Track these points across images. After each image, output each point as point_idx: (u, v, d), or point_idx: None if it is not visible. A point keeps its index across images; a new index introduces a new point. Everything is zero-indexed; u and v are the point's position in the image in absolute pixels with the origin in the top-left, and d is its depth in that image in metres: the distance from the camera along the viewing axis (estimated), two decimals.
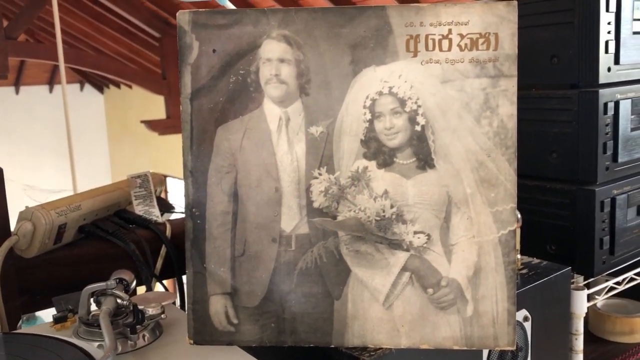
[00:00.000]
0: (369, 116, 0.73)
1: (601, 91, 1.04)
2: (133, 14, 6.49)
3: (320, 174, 0.74)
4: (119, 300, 0.85)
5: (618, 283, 1.10)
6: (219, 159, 0.75)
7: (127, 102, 11.36)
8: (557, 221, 1.12)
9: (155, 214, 1.37)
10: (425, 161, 0.73)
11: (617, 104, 1.04)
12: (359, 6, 0.70)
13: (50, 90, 11.54)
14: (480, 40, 0.72)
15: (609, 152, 1.06)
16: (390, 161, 0.73)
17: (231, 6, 1.17)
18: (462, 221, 0.73)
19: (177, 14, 0.82)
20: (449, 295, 0.70)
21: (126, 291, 0.90)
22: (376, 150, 0.74)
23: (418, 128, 0.73)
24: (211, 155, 0.75)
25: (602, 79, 1.05)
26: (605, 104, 1.06)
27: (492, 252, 0.71)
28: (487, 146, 0.73)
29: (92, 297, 0.87)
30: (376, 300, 0.71)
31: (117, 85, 11.65)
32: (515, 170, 0.73)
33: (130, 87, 10.53)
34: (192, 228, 0.75)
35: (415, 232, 0.73)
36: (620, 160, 1.09)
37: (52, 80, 11.46)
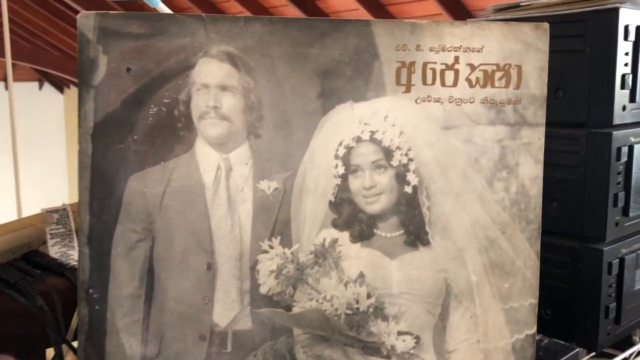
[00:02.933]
0: (341, 170, 0.60)
1: (615, 133, 0.89)
2: None
3: (271, 247, 0.60)
4: None
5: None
6: (130, 222, 0.60)
7: None
8: (555, 282, 1.01)
9: (74, 256, 1.12)
10: (416, 235, 0.60)
11: (631, 148, 0.89)
12: (334, 19, 0.59)
13: (6, 87, 11.05)
14: (498, 74, 0.59)
15: (620, 205, 0.90)
16: (369, 233, 0.60)
17: (166, 10, 0.92)
18: (464, 320, 0.60)
19: (77, 17, 0.60)
20: None
21: None
22: (350, 217, 0.60)
23: (408, 189, 0.60)
24: (118, 216, 0.60)
25: (616, 119, 0.89)
26: (619, 149, 0.90)
27: None
28: (501, 219, 0.60)
29: None
30: None
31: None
32: (537, 253, 0.60)
33: None
34: (88, 316, 0.60)
35: (400, 333, 0.60)
36: (631, 214, 0.93)
37: (7, 76, 10.95)
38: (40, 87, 11.71)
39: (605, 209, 1.01)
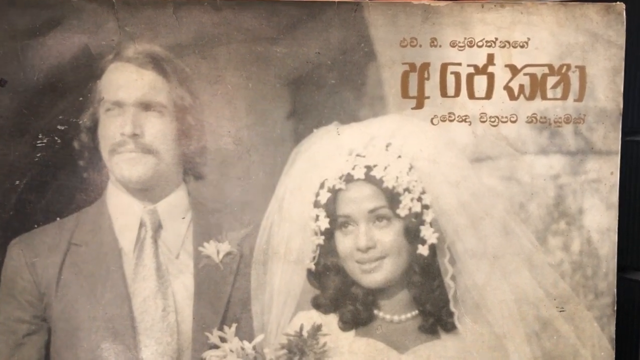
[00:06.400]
0: (325, 223, 0.49)
1: None
2: None
3: (223, 340, 0.48)
4: None
5: None
6: (13, 307, 0.48)
7: None
8: None
9: None
10: (436, 317, 0.49)
11: None
12: (308, 0, 0.47)
13: None
14: (551, 80, 0.48)
15: None
16: (368, 316, 0.49)
17: None
18: None
19: None
20: None
21: None
22: (339, 292, 0.49)
23: (423, 250, 0.48)
24: None
25: None
26: None
27: None
28: (559, 291, 0.49)
29: None
30: None
31: None
32: (612, 339, 0.49)
33: None
34: None
35: None
36: None
37: None
38: None
39: None
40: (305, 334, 0.48)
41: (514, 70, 0.47)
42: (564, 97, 0.47)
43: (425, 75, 0.47)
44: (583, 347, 0.49)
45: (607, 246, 0.48)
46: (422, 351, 0.48)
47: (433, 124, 0.48)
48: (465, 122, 0.48)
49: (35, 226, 0.47)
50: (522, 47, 0.47)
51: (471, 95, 0.47)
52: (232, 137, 0.47)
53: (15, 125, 0.46)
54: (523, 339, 0.49)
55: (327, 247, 0.48)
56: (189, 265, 0.48)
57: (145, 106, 0.47)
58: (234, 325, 0.48)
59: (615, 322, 0.50)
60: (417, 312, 0.49)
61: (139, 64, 0.47)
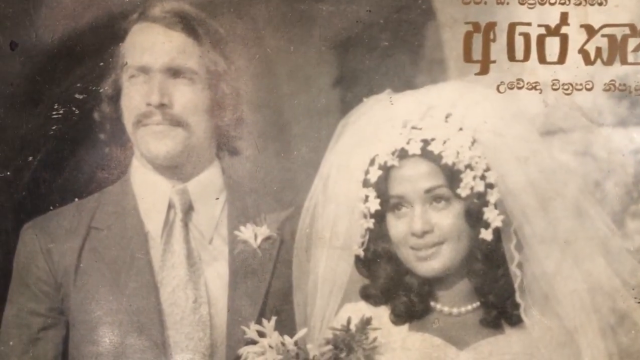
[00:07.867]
0: (375, 204, 0.46)
1: None
2: None
3: (261, 335, 0.45)
4: None
5: None
6: (28, 298, 0.46)
7: None
8: None
9: None
10: (500, 310, 0.46)
11: None
12: None
13: None
14: (632, 42, 0.46)
15: None
16: (423, 308, 0.47)
17: None
18: None
19: None
20: None
21: None
22: (391, 282, 0.47)
23: (487, 235, 0.45)
24: (7, 289, 0.46)
25: None
26: None
27: None
28: (637, 279, 0.46)
29: None
30: None
31: None
32: None
33: None
34: None
35: None
36: None
37: None
38: None
39: None
40: (353, 328, 0.45)
41: (590, 31, 0.45)
42: None
43: (491, 37, 0.45)
44: None
45: None
46: (484, 347, 0.45)
47: (499, 91, 0.46)
48: (535, 89, 0.46)
49: (51, 208, 0.45)
50: (599, 4, 0.45)
51: (542, 59, 0.45)
52: (271, 108, 0.45)
53: (27, 94, 0.44)
54: (597, 334, 0.46)
55: (378, 232, 0.46)
56: (223, 252, 0.46)
57: (174, 72, 0.45)
58: (274, 319, 0.45)
59: None
60: (478, 303, 0.46)
61: (167, 25, 0.44)
